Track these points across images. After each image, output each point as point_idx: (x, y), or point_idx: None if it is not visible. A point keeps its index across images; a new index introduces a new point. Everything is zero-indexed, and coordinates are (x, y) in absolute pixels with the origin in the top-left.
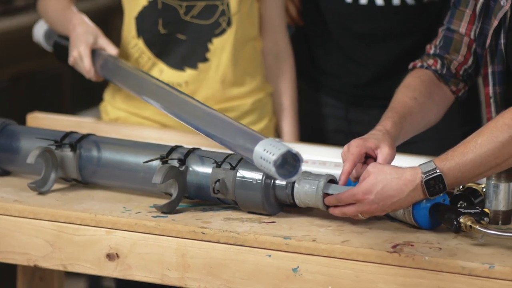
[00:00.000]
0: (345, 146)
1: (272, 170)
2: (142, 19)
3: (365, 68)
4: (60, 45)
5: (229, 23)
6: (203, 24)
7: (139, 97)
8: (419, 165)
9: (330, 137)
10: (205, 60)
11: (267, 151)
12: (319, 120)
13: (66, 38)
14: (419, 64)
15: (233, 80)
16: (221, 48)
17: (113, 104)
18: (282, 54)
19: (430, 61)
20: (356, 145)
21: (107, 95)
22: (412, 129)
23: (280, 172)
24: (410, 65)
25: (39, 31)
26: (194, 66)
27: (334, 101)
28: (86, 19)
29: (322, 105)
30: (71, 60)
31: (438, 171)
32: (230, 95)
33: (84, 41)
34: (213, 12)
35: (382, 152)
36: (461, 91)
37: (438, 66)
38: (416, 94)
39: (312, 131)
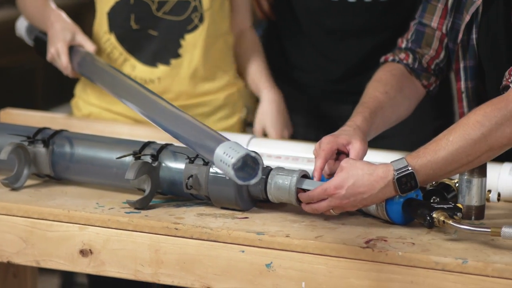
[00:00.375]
0: (317, 144)
1: (231, 173)
2: (114, 14)
3: (337, 63)
4: (41, 40)
5: (201, 19)
6: (175, 20)
7: (113, 95)
8: (391, 162)
9: (301, 132)
10: (177, 56)
11: (226, 154)
12: (290, 115)
13: (46, 34)
14: (390, 58)
15: (205, 75)
16: (193, 44)
17: (85, 100)
18: (246, 32)
19: (402, 55)
20: (327, 142)
21: (78, 91)
22: (383, 123)
23: (239, 175)
24: (382, 59)
25: (22, 25)
26: (166, 62)
27: (305, 96)
28: (64, 15)
29: (294, 100)
30: (49, 56)
31: (410, 168)
32: (202, 90)
33: (61, 38)
34: (186, 8)
35: (354, 147)
36: (432, 85)
37: (410, 60)
38: (387, 88)
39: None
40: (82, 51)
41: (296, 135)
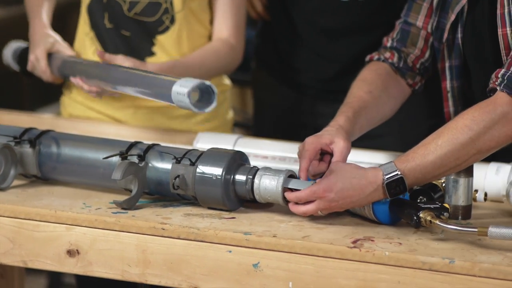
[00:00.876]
0: (300, 145)
1: (186, 101)
2: (91, 11)
3: (331, 62)
4: (23, 57)
5: (172, 21)
6: (146, 21)
7: (89, 82)
8: (380, 166)
9: (295, 131)
10: (151, 54)
11: (181, 86)
12: (284, 114)
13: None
14: (375, 56)
15: None
16: (164, 45)
17: (70, 97)
18: (218, 41)
19: (387, 54)
20: (310, 142)
21: (64, 89)
22: (367, 123)
23: (196, 104)
24: (367, 58)
25: (8, 53)
26: (141, 60)
27: (300, 96)
28: (46, 25)
29: (288, 99)
30: (29, 64)
31: (399, 173)
32: None
33: (40, 44)
34: (156, 10)
35: (337, 146)
36: (417, 84)
37: (395, 59)
38: (372, 87)
39: (278, 125)
40: (62, 56)
41: (289, 133)
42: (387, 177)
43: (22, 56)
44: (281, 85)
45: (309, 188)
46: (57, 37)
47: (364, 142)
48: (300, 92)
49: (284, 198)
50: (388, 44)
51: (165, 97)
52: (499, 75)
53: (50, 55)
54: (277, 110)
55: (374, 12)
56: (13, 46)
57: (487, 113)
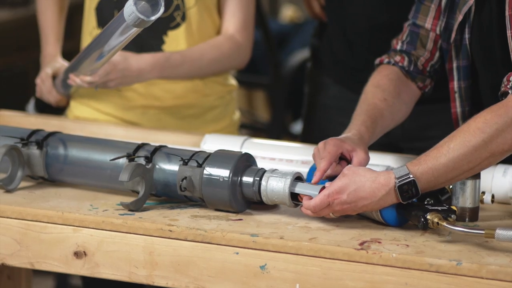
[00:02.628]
0: (321, 144)
1: (134, 10)
2: (101, 10)
3: None
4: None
5: (183, 18)
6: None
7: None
8: (392, 169)
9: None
10: (161, 51)
11: (129, 1)
12: (337, 114)
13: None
14: (386, 60)
15: None
16: (176, 42)
17: (76, 100)
18: (221, 36)
19: (397, 58)
20: (333, 144)
21: (71, 92)
22: (382, 130)
23: (146, 14)
24: (377, 61)
25: (30, 107)
26: None
27: (355, 96)
28: (55, 54)
29: (342, 100)
30: (37, 90)
31: (411, 176)
32: (190, 90)
33: (46, 68)
34: (168, 6)
35: (358, 157)
36: (427, 87)
37: (405, 63)
38: (386, 94)
39: (330, 125)
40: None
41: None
42: (399, 180)
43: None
44: (336, 84)
45: (321, 193)
46: (65, 63)
47: (420, 142)
48: (356, 92)
49: (291, 200)
50: (398, 47)
51: (122, 25)
52: (511, 79)
53: (55, 78)
54: (330, 110)
55: None
56: (32, 100)
57: (499, 116)
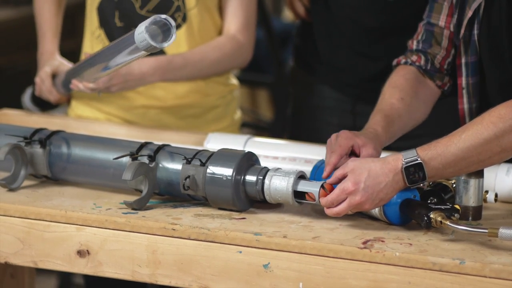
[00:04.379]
0: (333, 136)
1: (147, 37)
2: (102, 10)
3: (374, 61)
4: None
5: (184, 19)
6: None
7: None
8: (401, 152)
9: (334, 130)
10: (162, 53)
11: (140, 26)
12: (324, 114)
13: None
14: (403, 60)
15: None
16: (177, 43)
17: (77, 99)
18: (223, 37)
19: (414, 57)
20: (345, 137)
21: (73, 92)
22: (400, 130)
23: (156, 39)
24: (394, 62)
25: (26, 98)
26: None
27: (340, 95)
28: (53, 51)
29: (328, 99)
30: (36, 88)
31: (419, 159)
32: (192, 89)
33: (45, 67)
34: (169, 7)
35: (367, 151)
36: (446, 85)
37: (422, 62)
38: (403, 94)
39: (316, 125)
40: (64, 71)
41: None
42: (406, 161)
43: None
44: (320, 84)
45: (337, 188)
46: (63, 60)
47: (403, 141)
48: (341, 92)
49: (294, 198)
50: (414, 47)
51: (131, 46)
52: None
53: (54, 76)
54: (316, 110)
55: (420, 11)
56: (29, 91)
57: None
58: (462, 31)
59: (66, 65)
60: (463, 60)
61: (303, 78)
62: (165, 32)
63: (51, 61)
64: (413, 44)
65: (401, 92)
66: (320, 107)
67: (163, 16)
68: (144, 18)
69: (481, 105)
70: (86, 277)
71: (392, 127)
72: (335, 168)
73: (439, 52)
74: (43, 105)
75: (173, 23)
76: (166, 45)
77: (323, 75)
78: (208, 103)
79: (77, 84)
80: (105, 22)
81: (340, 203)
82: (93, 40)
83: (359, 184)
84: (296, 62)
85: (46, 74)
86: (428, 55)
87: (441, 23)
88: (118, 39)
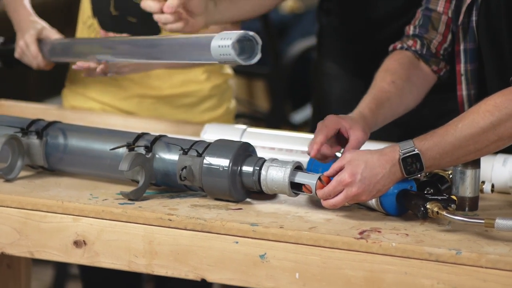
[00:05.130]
0: (320, 121)
1: (231, 53)
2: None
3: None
4: (6, 48)
5: None
6: None
7: (94, 58)
8: (398, 143)
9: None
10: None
11: (223, 39)
12: (349, 104)
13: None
14: (399, 45)
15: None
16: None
17: (71, 89)
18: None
19: (410, 42)
20: (331, 120)
21: (67, 81)
22: (391, 113)
23: (241, 56)
24: (390, 47)
25: None
26: None
27: (364, 83)
28: (31, 13)
29: (353, 90)
30: (18, 51)
31: (416, 149)
32: (187, 79)
33: (30, 30)
34: None
35: (355, 134)
36: (442, 70)
37: (418, 46)
38: (394, 77)
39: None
40: (51, 39)
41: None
42: (403, 151)
43: (3, 48)
44: (345, 75)
45: (334, 180)
46: (44, 23)
47: (390, 129)
48: (365, 81)
49: (291, 189)
50: (411, 32)
51: (202, 55)
52: None
53: (39, 41)
54: (341, 101)
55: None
56: None
57: (510, 101)
58: (461, 17)
59: (49, 29)
60: (461, 47)
61: (327, 70)
62: (244, 42)
63: (34, 24)
64: (410, 29)
65: (393, 75)
66: (345, 97)
67: (251, 33)
68: (139, 6)
69: (480, 92)
70: (82, 269)
71: (381, 109)
72: (320, 146)
73: (435, 37)
74: (9, 63)
75: (259, 41)
76: (251, 62)
77: (347, 65)
78: (203, 93)
79: (87, 65)
80: (98, 11)
81: (337, 195)
82: (84, 29)
83: (356, 175)
84: (318, 54)
85: (32, 38)
86: (424, 39)
87: (440, 8)
88: (179, 37)
